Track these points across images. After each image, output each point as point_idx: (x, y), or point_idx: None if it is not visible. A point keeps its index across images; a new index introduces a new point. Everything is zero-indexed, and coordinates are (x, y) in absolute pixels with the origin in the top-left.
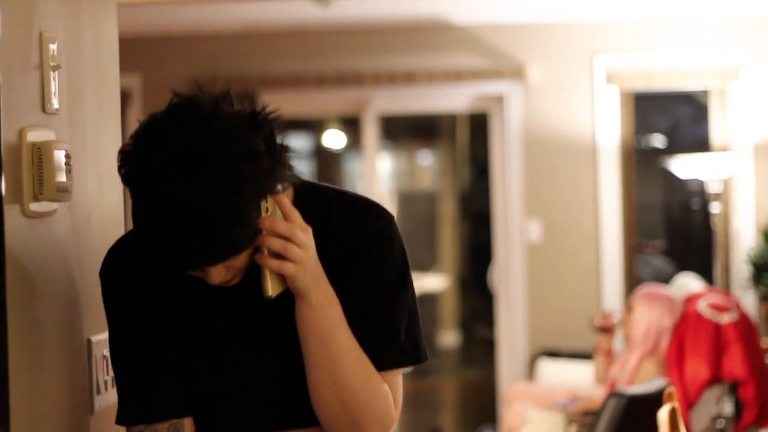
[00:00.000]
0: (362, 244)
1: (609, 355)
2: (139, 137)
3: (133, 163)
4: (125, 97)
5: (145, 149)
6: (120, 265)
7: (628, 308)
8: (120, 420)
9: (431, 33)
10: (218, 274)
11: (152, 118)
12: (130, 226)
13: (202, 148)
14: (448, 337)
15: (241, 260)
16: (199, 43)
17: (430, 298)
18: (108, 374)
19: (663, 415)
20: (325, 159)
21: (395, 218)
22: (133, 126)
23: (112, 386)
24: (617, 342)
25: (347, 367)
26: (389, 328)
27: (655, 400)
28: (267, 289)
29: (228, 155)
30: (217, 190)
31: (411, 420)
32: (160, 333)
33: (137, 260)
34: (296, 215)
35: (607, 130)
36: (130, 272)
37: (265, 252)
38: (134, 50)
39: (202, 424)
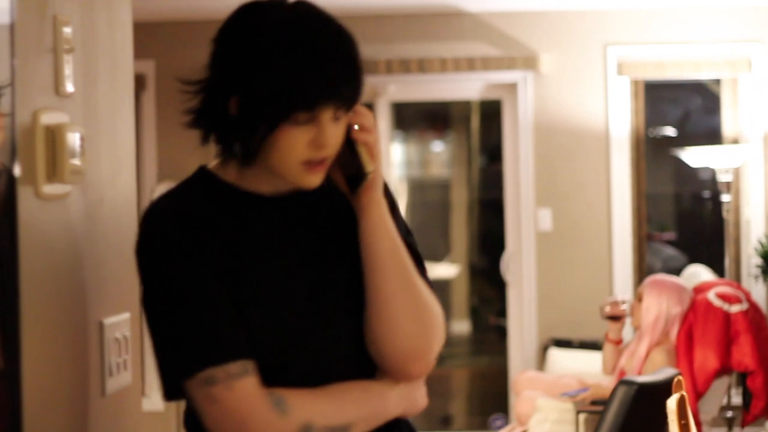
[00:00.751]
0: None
1: (618, 344)
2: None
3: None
4: (139, 82)
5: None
6: (182, 222)
7: (638, 298)
8: (184, 372)
9: (444, 21)
10: (333, 133)
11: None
12: (143, 208)
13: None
14: (460, 326)
15: (340, 133)
16: (212, 28)
17: (442, 286)
18: (120, 356)
19: (671, 404)
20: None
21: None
22: (148, 111)
23: (125, 368)
24: (626, 331)
25: (412, 270)
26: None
27: (664, 388)
28: (366, 165)
29: None
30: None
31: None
32: (221, 282)
33: (195, 219)
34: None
35: (619, 120)
36: (187, 224)
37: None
38: (148, 36)
39: (270, 379)
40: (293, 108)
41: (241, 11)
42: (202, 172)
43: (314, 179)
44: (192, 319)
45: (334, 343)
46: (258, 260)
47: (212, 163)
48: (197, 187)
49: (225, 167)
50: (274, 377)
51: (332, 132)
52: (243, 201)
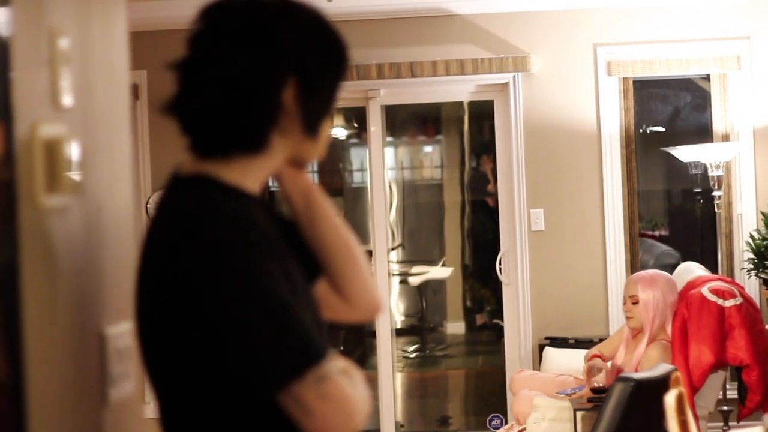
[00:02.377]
0: None
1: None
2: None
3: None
4: (132, 92)
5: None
6: (247, 229)
7: (631, 300)
8: (290, 373)
9: (434, 23)
10: None
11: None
12: (142, 220)
13: None
14: (455, 326)
15: None
16: None
17: (437, 287)
18: (122, 365)
19: (670, 399)
20: (331, 150)
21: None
22: (142, 121)
23: (126, 377)
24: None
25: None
26: None
27: (661, 384)
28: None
29: None
30: None
31: (419, 409)
32: (284, 280)
33: (254, 225)
34: None
35: (610, 118)
36: (242, 224)
37: None
38: (140, 46)
39: None
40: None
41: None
42: (203, 179)
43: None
44: (285, 318)
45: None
46: (288, 258)
47: (198, 166)
48: (213, 194)
49: (221, 168)
50: None
51: None
52: (255, 203)
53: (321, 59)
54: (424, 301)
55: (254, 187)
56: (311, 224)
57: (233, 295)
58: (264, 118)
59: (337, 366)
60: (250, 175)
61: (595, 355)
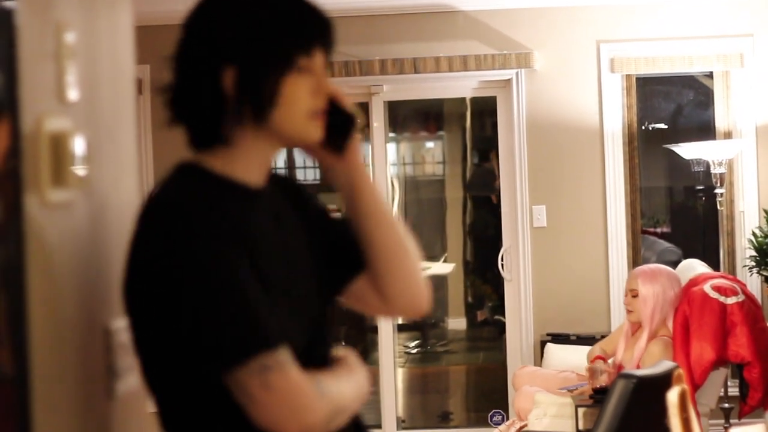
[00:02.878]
0: (303, 195)
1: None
2: None
3: None
4: (135, 86)
5: None
6: (210, 216)
7: (631, 293)
8: (234, 359)
9: (437, 19)
10: (327, 83)
11: None
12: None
13: None
14: (456, 322)
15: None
16: None
17: (439, 283)
18: (127, 360)
19: (673, 397)
20: None
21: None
22: (145, 115)
23: (131, 372)
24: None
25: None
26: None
27: (663, 381)
28: (345, 149)
29: None
30: None
31: (421, 404)
32: (250, 271)
33: (202, 205)
34: None
35: (612, 115)
36: (205, 214)
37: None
38: (143, 40)
39: None
40: (295, 51)
41: None
42: (190, 167)
43: (318, 132)
44: (239, 306)
45: (315, 325)
46: (264, 249)
47: (196, 156)
48: (192, 182)
49: (211, 158)
50: None
51: (326, 80)
52: (239, 192)
53: (258, 44)
54: None
55: (248, 176)
56: (354, 218)
57: (187, 279)
58: (207, 111)
59: (292, 361)
60: (238, 164)
61: (598, 357)
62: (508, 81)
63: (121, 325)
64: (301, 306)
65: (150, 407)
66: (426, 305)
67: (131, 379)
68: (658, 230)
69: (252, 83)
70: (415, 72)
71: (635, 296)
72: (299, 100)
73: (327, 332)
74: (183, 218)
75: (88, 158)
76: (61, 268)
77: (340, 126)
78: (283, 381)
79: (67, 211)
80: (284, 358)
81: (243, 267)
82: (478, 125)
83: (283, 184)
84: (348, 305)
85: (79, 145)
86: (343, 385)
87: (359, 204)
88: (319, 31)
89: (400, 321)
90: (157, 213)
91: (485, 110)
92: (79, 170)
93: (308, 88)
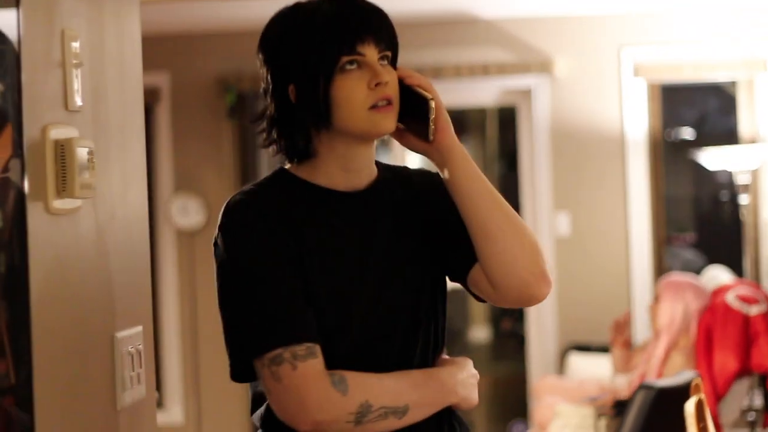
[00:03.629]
0: (439, 189)
1: (626, 345)
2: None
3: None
4: (154, 94)
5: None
6: (258, 213)
7: (656, 298)
8: (254, 350)
9: (458, 27)
10: (384, 73)
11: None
12: (160, 223)
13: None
14: (479, 332)
15: (394, 80)
16: (226, 40)
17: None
18: (133, 370)
19: (689, 407)
20: None
21: None
22: (164, 122)
23: (138, 382)
24: (642, 333)
25: (507, 203)
26: None
27: (683, 392)
28: (431, 134)
29: None
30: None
31: None
32: (293, 268)
33: (270, 211)
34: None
35: (635, 123)
36: (261, 213)
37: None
38: (163, 48)
39: (328, 358)
40: (337, 54)
41: (272, 19)
42: (281, 170)
43: (386, 122)
44: (266, 300)
45: (379, 332)
46: (326, 250)
47: (293, 166)
48: (273, 183)
49: (300, 167)
50: (333, 360)
51: (384, 71)
52: (315, 194)
53: (300, 56)
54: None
55: (332, 181)
56: (455, 201)
57: (226, 276)
58: (283, 128)
59: (312, 357)
60: (320, 171)
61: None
62: (530, 88)
63: (128, 336)
64: (374, 306)
65: (156, 417)
66: (539, 294)
67: (138, 390)
68: (683, 239)
69: (305, 93)
70: (436, 79)
71: (658, 302)
72: (354, 96)
73: (420, 334)
74: (235, 212)
75: (94, 167)
76: (66, 277)
77: (418, 111)
78: (291, 373)
79: (72, 220)
80: (303, 353)
81: (280, 262)
82: (501, 133)
83: (417, 181)
84: (477, 295)
85: (84, 154)
86: (390, 385)
87: (454, 186)
88: (358, 27)
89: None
90: (225, 207)
91: (508, 118)
92: (85, 179)
93: (364, 84)
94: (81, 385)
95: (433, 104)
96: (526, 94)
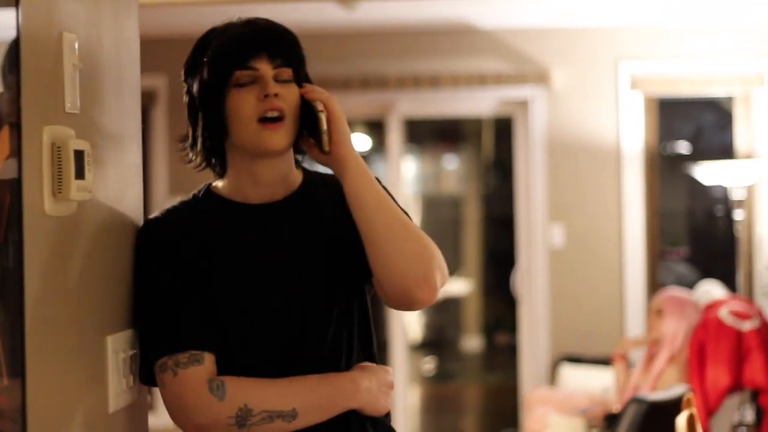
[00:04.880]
0: None
1: (625, 360)
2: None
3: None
4: (151, 97)
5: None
6: (160, 230)
7: (656, 312)
8: (144, 361)
9: (456, 37)
10: (274, 86)
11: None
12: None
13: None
14: (471, 342)
15: (291, 95)
16: None
17: (454, 303)
18: (125, 373)
19: (681, 421)
20: None
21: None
22: (160, 125)
23: (130, 385)
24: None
25: (399, 210)
26: None
27: (675, 406)
28: (324, 145)
29: None
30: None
31: (433, 424)
32: (190, 282)
33: (174, 227)
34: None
35: (631, 136)
36: (170, 235)
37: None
38: (160, 51)
39: (227, 367)
40: (230, 68)
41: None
42: (206, 187)
43: (275, 138)
44: (159, 313)
45: (288, 338)
46: (234, 264)
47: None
48: (195, 200)
49: (222, 183)
50: (232, 367)
51: (278, 87)
52: (228, 209)
53: (198, 71)
54: (441, 316)
55: (244, 193)
56: (350, 209)
57: (135, 289)
58: (192, 143)
59: (195, 364)
60: (233, 183)
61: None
62: (526, 99)
63: (121, 339)
64: (279, 317)
65: (148, 420)
66: (420, 299)
67: (130, 393)
68: (677, 253)
69: (206, 108)
70: (433, 89)
71: (658, 315)
72: (244, 108)
73: (330, 339)
74: (142, 231)
75: (91, 169)
76: (60, 279)
77: (315, 125)
78: (173, 381)
79: (68, 222)
80: (185, 361)
81: (175, 277)
82: (497, 144)
83: (328, 188)
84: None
85: (81, 156)
86: (274, 390)
87: (347, 195)
88: (252, 42)
89: (414, 340)
90: (142, 226)
91: (504, 129)
92: (82, 181)
93: (254, 97)
94: (73, 387)
95: (322, 116)
96: (523, 105)
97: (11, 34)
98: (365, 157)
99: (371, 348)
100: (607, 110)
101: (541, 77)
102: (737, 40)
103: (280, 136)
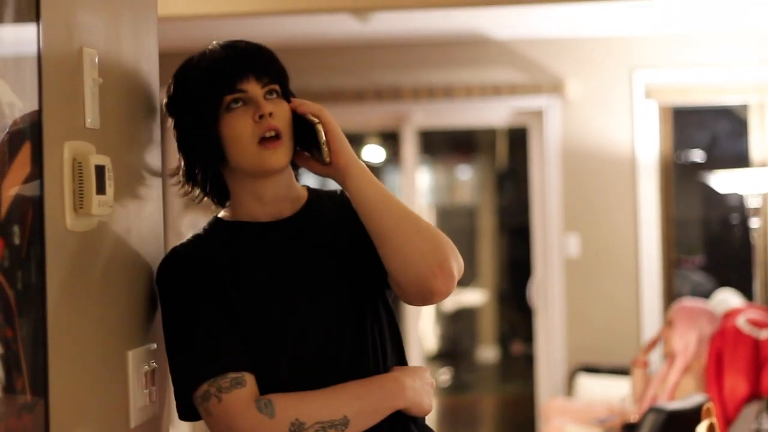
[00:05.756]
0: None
1: (645, 366)
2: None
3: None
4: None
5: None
6: (181, 261)
7: (669, 324)
8: (182, 395)
9: (469, 47)
10: (267, 105)
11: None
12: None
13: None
14: (487, 352)
15: (283, 112)
16: None
17: (469, 313)
18: (147, 387)
19: (701, 430)
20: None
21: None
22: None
23: (151, 400)
24: (655, 358)
25: (405, 205)
26: None
27: (694, 415)
28: (325, 156)
29: None
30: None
31: None
32: (216, 309)
33: (195, 257)
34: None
35: (646, 145)
36: (192, 264)
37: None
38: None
39: (268, 384)
40: (220, 94)
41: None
42: (214, 219)
43: (276, 157)
44: (190, 342)
45: (325, 350)
46: (255, 283)
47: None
48: (207, 232)
49: (227, 210)
50: (272, 387)
51: (271, 106)
52: (240, 231)
53: (186, 102)
54: (456, 327)
55: (253, 214)
56: (357, 213)
57: (165, 321)
58: (190, 177)
59: (238, 387)
60: (239, 207)
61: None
62: (541, 109)
63: (141, 353)
64: (308, 331)
65: None
66: (438, 287)
67: (151, 407)
68: (693, 261)
69: (199, 137)
70: (447, 99)
71: (671, 326)
72: (241, 132)
73: (369, 345)
74: (164, 266)
75: (112, 184)
76: (82, 293)
77: (312, 137)
78: (218, 407)
79: (89, 237)
80: (227, 385)
81: (202, 307)
82: (511, 154)
83: (347, 201)
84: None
85: (102, 171)
86: (322, 400)
87: (353, 199)
88: (237, 66)
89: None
90: (161, 261)
91: (519, 139)
92: (103, 196)
93: (249, 119)
94: (95, 402)
95: (320, 128)
96: (538, 115)
97: (32, 49)
98: (379, 168)
99: (402, 350)
100: (621, 119)
101: (555, 87)
102: (751, 48)
103: (281, 154)
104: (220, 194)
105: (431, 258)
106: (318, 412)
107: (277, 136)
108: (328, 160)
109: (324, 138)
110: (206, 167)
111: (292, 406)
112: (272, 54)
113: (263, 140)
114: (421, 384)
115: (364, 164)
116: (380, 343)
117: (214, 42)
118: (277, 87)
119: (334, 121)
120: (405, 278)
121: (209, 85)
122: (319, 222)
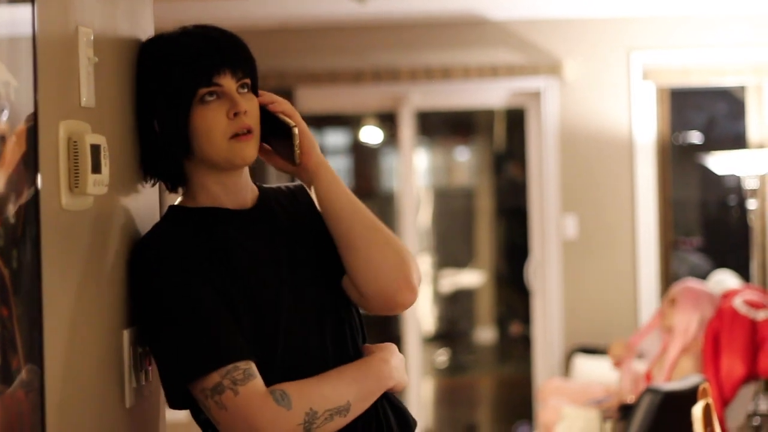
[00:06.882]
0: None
1: (629, 358)
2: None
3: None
4: None
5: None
6: (160, 246)
7: (670, 300)
8: (175, 384)
9: (467, 28)
10: (242, 103)
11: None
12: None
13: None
14: (484, 334)
15: (254, 108)
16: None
17: (467, 294)
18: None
19: (697, 411)
20: (362, 155)
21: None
22: None
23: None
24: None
25: (372, 214)
26: None
27: (690, 396)
28: (296, 158)
29: None
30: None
31: (447, 416)
32: (210, 293)
33: (172, 241)
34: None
35: (644, 126)
36: (170, 249)
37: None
38: None
39: (268, 372)
40: (195, 86)
41: (138, 54)
42: (170, 208)
43: (247, 150)
44: (192, 328)
45: (311, 335)
46: (239, 267)
47: (177, 200)
48: (168, 222)
49: (185, 199)
50: (269, 373)
51: (245, 102)
52: (209, 216)
53: (158, 90)
54: (454, 308)
55: (218, 201)
56: (323, 216)
57: (150, 312)
58: (152, 161)
59: (251, 378)
60: (202, 195)
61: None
62: (538, 91)
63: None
64: (296, 313)
65: (164, 415)
66: (402, 301)
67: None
68: (690, 243)
69: (167, 125)
70: (445, 80)
71: (672, 304)
72: (214, 127)
73: (347, 330)
74: (145, 253)
75: (107, 163)
76: (78, 273)
77: (282, 135)
78: (235, 400)
79: (85, 216)
80: (241, 377)
81: (198, 290)
82: (509, 135)
83: (300, 195)
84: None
85: (97, 150)
86: (329, 387)
87: (320, 202)
88: (214, 59)
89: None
90: (133, 251)
91: (516, 120)
92: (98, 175)
93: (223, 114)
94: (91, 381)
95: (296, 131)
96: (535, 96)
97: (27, 28)
98: (376, 149)
99: (365, 332)
100: (619, 101)
101: (553, 68)
102: (749, 29)
103: (251, 148)
104: (174, 180)
105: (398, 271)
106: (328, 399)
107: (250, 132)
108: (298, 161)
109: (298, 141)
110: (169, 155)
111: (306, 394)
112: (245, 45)
113: (235, 136)
114: (399, 361)
115: (331, 167)
116: (358, 326)
117: (185, 25)
118: (248, 81)
119: (304, 122)
120: (370, 289)
121: (185, 76)
122: (281, 213)
